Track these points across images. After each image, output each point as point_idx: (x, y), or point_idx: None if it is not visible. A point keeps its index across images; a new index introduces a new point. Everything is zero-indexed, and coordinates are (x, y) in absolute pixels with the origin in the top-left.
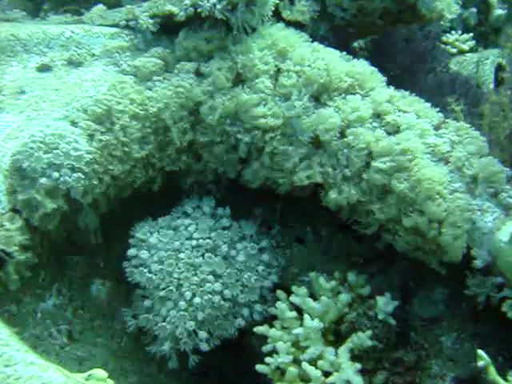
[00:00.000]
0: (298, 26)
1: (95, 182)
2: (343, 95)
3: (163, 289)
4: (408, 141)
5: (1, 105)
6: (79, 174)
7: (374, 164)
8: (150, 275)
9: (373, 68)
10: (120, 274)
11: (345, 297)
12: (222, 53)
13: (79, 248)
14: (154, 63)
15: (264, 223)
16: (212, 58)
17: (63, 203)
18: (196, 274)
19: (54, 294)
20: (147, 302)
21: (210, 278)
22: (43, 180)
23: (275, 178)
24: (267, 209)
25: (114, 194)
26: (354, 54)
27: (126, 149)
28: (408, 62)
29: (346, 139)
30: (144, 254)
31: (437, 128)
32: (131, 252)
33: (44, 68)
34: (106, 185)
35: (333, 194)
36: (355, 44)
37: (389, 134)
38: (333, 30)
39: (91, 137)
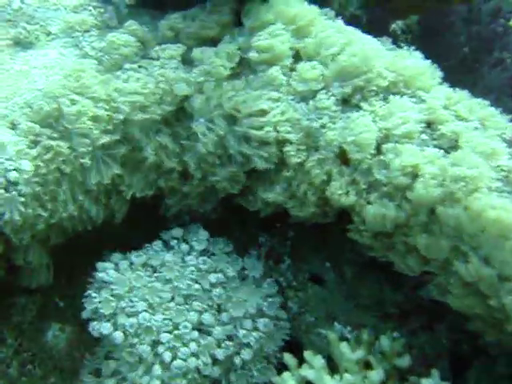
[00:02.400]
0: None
1: (39, 212)
2: (382, 96)
3: (133, 346)
4: (469, 163)
5: None
6: (15, 200)
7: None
8: (117, 332)
9: (424, 60)
10: None
11: (376, 376)
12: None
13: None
14: (127, 44)
15: (271, 254)
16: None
17: None
18: (177, 330)
19: None
20: (112, 364)
21: (195, 334)
22: None
23: (289, 203)
24: (276, 236)
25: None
26: (393, 38)
27: (81, 161)
28: (468, 50)
29: (383, 157)
30: (106, 301)
31: (510, 144)
32: (91, 298)
33: None
34: (54, 213)
35: (361, 226)
36: (395, 25)
37: (442, 149)
38: (366, 8)
39: (35, 144)
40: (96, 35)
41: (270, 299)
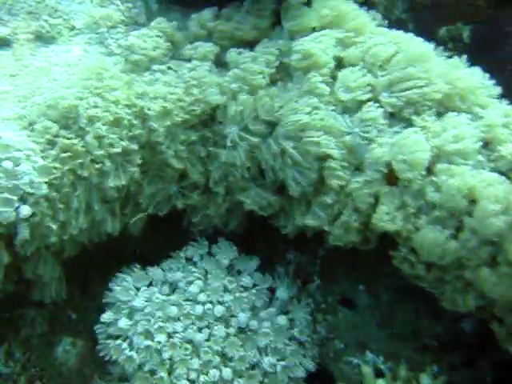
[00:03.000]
0: (364, 2)
1: (50, 224)
2: (435, 110)
3: (149, 373)
4: None
5: None
6: (27, 208)
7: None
8: (131, 353)
9: (480, 72)
10: None
11: None
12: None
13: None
14: (156, 44)
15: (299, 273)
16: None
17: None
18: (197, 355)
19: (2, 360)
20: None
21: (216, 360)
22: None
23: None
24: (305, 253)
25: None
26: (442, 46)
27: (98, 167)
28: None
29: (435, 178)
30: (123, 322)
31: None
32: (106, 317)
33: (0, 43)
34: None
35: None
36: (443, 32)
37: (502, 174)
38: (414, 11)
39: (51, 145)
40: (123, 32)
41: (300, 325)
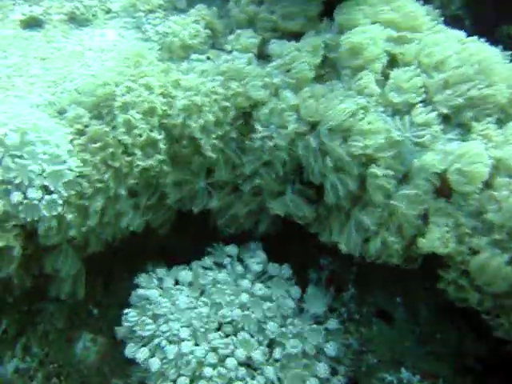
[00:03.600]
0: None
1: (74, 215)
2: (496, 116)
3: (171, 380)
4: None
5: None
6: (54, 198)
7: None
8: (153, 358)
9: None
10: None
11: None
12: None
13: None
14: (195, 32)
15: (333, 280)
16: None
17: (20, 241)
18: (223, 364)
19: (19, 355)
20: None
21: (242, 372)
22: None
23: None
24: (339, 259)
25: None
26: (503, 46)
27: (128, 158)
28: None
29: (495, 193)
30: (147, 325)
31: None
32: (130, 317)
33: (32, 23)
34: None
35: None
36: (502, 30)
37: None
38: (472, 7)
39: (81, 135)
40: (161, 17)
41: (332, 340)
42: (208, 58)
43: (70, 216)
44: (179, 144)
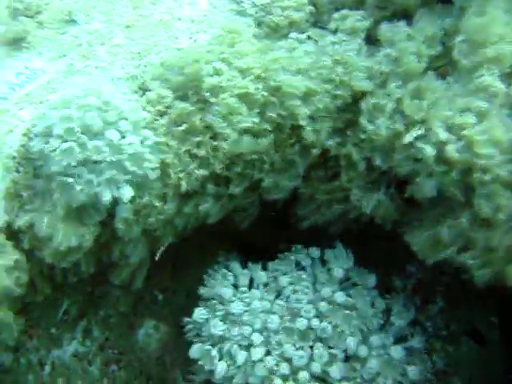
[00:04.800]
0: None
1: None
2: None
3: None
4: None
5: (30, 37)
6: (130, 190)
7: None
8: (221, 362)
9: None
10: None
11: None
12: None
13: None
14: (298, 6)
15: (419, 289)
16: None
17: (99, 227)
18: (296, 377)
19: (79, 338)
20: None
21: None
22: (71, 183)
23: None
24: (428, 268)
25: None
26: None
27: (215, 143)
28: None
29: None
30: (217, 326)
31: None
32: (198, 314)
33: None
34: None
35: None
36: None
37: None
38: None
39: (163, 117)
40: None
41: (416, 361)
42: (308, 38)
43: (149, 204)
44: (280, 132)
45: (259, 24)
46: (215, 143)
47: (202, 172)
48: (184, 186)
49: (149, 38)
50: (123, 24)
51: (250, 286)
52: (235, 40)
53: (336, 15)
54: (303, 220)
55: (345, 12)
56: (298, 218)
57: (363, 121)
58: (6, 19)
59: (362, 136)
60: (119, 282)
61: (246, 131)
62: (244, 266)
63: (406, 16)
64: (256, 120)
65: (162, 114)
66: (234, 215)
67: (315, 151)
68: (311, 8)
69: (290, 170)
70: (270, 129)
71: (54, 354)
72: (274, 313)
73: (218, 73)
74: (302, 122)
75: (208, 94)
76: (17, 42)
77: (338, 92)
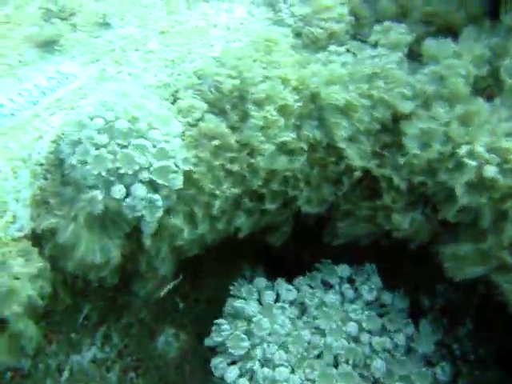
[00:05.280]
0: None
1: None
2: None
3: None
4: None
5: (63, 40)
6: (159, 199)
7: None
8: (243, 379)
9: None
10: (207, 323)
11: None
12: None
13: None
14: (339, 17)
15: (448, 310)
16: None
17: (124, 239)
18: None
19: (98, 343)
20: None
21: None
22: (96, 193)
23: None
24: (460, 287)
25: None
26: None
27: (252, 160)
28: None
29: None
30: (240, 339)
31: None
32: (222, 329)
33: None
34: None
35: None
36: None
37: None
38: None
39: (194, 128)
40: None
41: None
42: (347, 51)
43: (177, 221)
44: (317, 150)
45: (297, 34)
46: (252, 160)
47: (237, 190)
48: (217, 205)
49: (183, 45)
50: (158, 29)
51: (276, 300)
52: (272, 50)
53: (377, 28)
54: (335, 236)
55: (387, 25)
56: (330, 234)
57: (408, 144)
58: (39, 20)
59: (403, 159)
60: (144, 293)
61: (282, 146)
62: (269, 279)
63: (452, 32)
64: (293, 135)
65: (193, 125)
66: (268, 235)
67: (356, 174)
68: (352, 19)
69: (326, 188)
70: (305, 147)
71: (72, 359)
72: (299, 332)
73: (253, 83)
74: (342, 144)
75: (250, 105)
76: (49, 45)
77: (377, 110)
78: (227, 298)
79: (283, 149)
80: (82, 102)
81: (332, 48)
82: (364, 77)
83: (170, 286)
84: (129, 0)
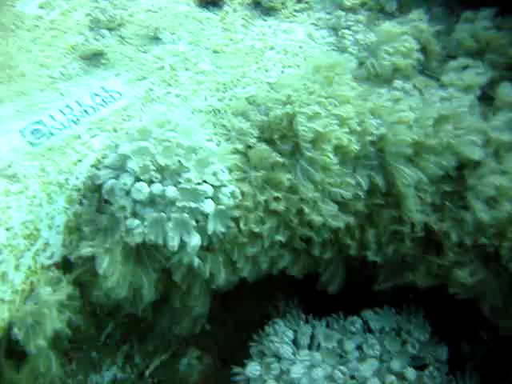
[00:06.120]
0: None
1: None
2: None
3: None
4: None
5: (110, 52)
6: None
7: None
8: None
9: None
10: (233, 348)
11: None
12: None
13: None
14: (407, 50)
15: (489, 360)
16: None
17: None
18: None
19: (119, 363)
20: None
21: None
22: (134, 224)
23: None
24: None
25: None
26: None
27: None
28: None
29: None
30: None
31: None
32: (252, 369)
33: (209, 0)
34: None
35: None
36: None
37: None
38: None
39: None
40: (364, 22)
41: None
42: (414, 87)
43: (212, 261)
44: (373, 197)
45: (360, 64)
46: (301, 205)
47: (282, 238)
48: (258, 247)
49: (237, 67)
50: (211, 48)
51: (311, 340)
52: (333, 81)
53: (451, 64)
54: (384, 282)
55: (462, 62)
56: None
57: (473, 200)
58: (86, 29)
59: (467, 214)
60: (179, 331)
61: (335, 197)
62: (304, 311)
63: None
64: (351, 181)
65: (241, 154)
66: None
67: (417, 230)
68: (420, 54)
69: (384, 237)
70: (362, 194)
71: (92, 379)
72: (335, 381)
73: (310, 117)
74: (403, 193)
75: (301, 142)
76: (95, 57)
77: (443, 156)
78: (256, 322)
79: (337, 200)
80: (126, 125)
81: (398, 84)
82: (431, 119)
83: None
84: (182, 12)
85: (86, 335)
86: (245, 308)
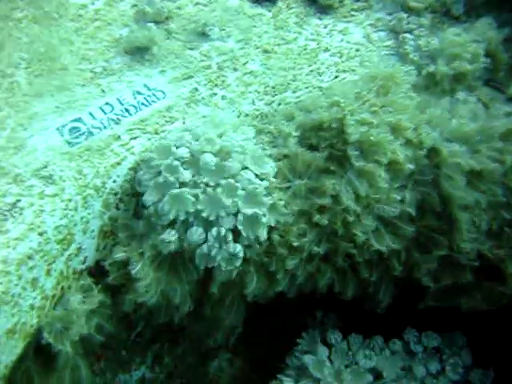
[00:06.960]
0: None
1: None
2: None
3: None
4: None
5: (156, 48)
6: (247, 243)
7: None
8: None
9: None
10: (263, 351)
11: None
12: None
13: None
14: (473, 59)
15: None
16: None
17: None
18: None
19: (149, 362)
20: None
21: None
22: (170, 233)
23: None
24: None
25: None
26: None
27: (350, 218)
28: None
29: None
30: None
31: None
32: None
33: None
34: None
35: None
36: None
37: None
38: None
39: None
40: (427, 25)
41: None
42: (478, 99)
43: (250, 274)
44: (425, 217)
45: (420, 72)
46: (348, 217)
47: (322, 250)
48: (296, 261)
49: (288, 69)
50: (261, 47)
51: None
52: (390, 89)
53: None
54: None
55: None
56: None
57: None
58: (131, 21)
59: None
60: (212, 343)
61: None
62: (341, 327)
63: None
64: (400, 196)
65: (282, 160)
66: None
67: (472, 257)
68: (487, 62)
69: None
70: (413, 212)
71: (120, 378)
72: None
73: (358, 124)
74: (458, 216)
75: (352, 151)
76: (140, 52)
77: (509, 178)
78: (291, 329)
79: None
80: (168, 127)
81: (460, 95)
82: (496, 136)
83: None
84: (233, 7)
85: (116, 326)
86: (281, 314)
